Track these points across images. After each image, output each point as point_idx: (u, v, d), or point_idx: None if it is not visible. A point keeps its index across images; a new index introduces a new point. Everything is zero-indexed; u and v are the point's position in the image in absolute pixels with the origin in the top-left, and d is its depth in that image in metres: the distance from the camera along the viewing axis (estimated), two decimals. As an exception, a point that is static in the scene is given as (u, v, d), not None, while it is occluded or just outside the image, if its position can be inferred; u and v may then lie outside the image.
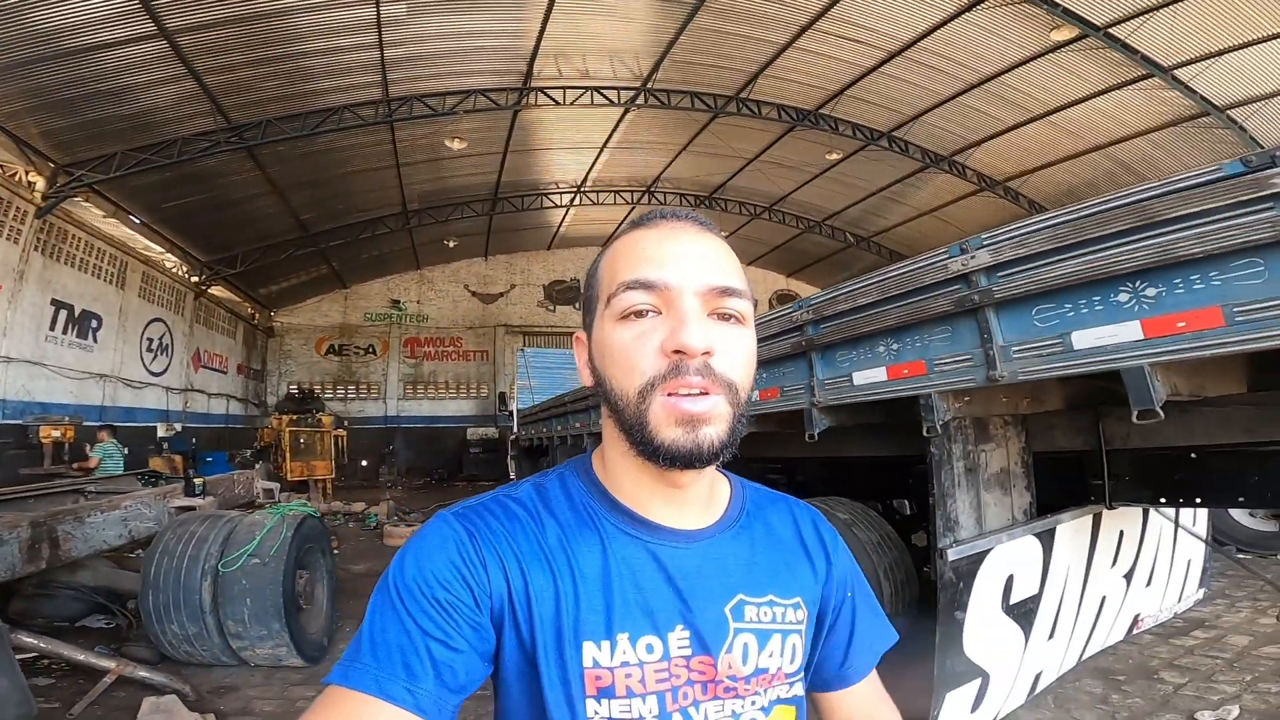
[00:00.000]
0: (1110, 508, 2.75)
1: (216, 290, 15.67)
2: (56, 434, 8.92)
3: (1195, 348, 1.65)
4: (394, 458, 19.10)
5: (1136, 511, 3.21)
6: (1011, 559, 2.45)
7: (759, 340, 0.69)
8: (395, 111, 10.84)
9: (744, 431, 0.62)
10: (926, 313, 2.38)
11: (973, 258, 2.16)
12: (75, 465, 8.20)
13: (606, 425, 0.68)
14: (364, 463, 18.40)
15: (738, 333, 0.63)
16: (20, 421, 9.08)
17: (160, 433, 12.70)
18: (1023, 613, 2.56)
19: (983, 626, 2.38)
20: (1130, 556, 3.26)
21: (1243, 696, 2.95)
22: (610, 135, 13.58)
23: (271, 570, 3.56)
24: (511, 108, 11.51)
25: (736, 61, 11.03)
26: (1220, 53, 9.24)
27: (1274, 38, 8.76)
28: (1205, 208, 1.63)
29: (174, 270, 13.98)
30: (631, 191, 16.62)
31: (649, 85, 11.54)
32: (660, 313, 0.61)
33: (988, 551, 2.37)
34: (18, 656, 2.84)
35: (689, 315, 0.59)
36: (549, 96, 11.36)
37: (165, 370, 13.60)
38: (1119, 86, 10.48)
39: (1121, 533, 3.14)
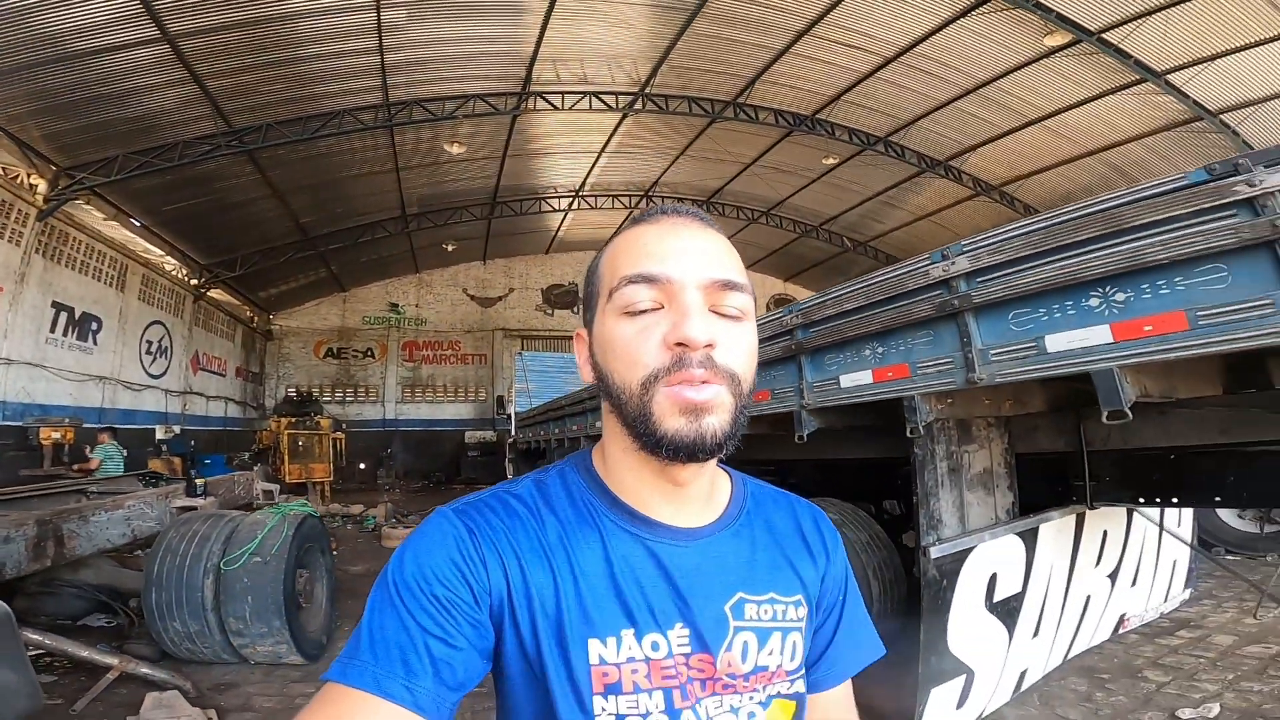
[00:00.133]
0: (1092, 508, 2.81)
1: (216, 293, 15.70)
2: (56, 435, 8.93)
3: (1160, 350, 1.70)
4: (392, 460, 19.04)
5: (1120, 512, 3.27)
6: (994, 557, 2.50)
7: None
8: (395, 116, 10.89)
9: (746, 424, 0.62)
10: (910, 317, 2.44)
11: (953, 263, 2.22)
12: (76, 467, 8.18)
13: (608, 421, 0.67)
14: (362, 465, 18.36)
15: (740, 327, 0.62)
16: (20, 423, 9.09)
17: (159, 435, 12.69)
18: (1006, 611, 2.61)
19: (966, 623, 2.43)
20: (1115, 557, 3.31)
21: (1224, 695, 2.99)
22: (608, 140, 13.61)
23: (273, 569, 3.59)
24: (510, 112, 11.56)
25: (733, 67, 11.08)
26: (1213, 57, 9.31)
27: (1266, 42, 8.82)
28: (1171, 215, 1.69)
29: (174, 273, 14.00)
30: (629, 196, 16.66)
31: (647, 90, 11.59)
32: (662, 307, 0.61)
33: (970, 550, 2.42)
34: (22, 653, 2.88)
35: (691, 308, 0.59)
36: (547, 101, 11.42)
37: (164, 373, 13.62)
38: (1113, 91, 10.54)
39: (1105, 533, 3.19)
